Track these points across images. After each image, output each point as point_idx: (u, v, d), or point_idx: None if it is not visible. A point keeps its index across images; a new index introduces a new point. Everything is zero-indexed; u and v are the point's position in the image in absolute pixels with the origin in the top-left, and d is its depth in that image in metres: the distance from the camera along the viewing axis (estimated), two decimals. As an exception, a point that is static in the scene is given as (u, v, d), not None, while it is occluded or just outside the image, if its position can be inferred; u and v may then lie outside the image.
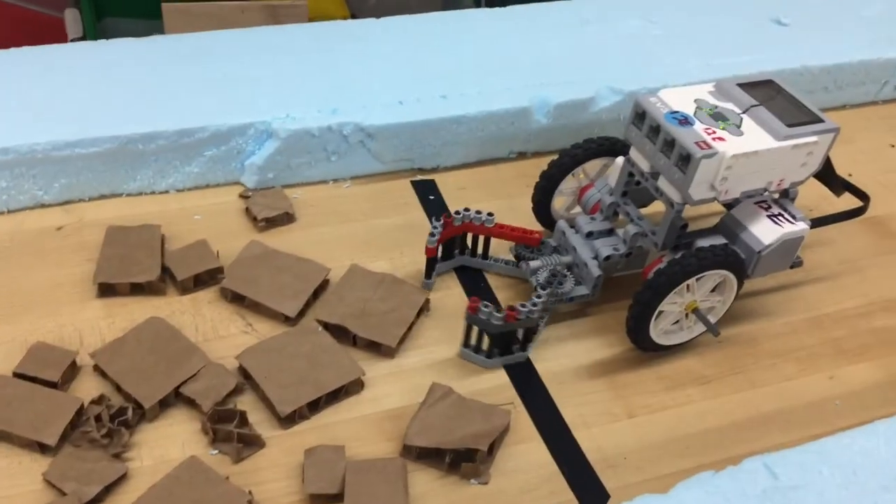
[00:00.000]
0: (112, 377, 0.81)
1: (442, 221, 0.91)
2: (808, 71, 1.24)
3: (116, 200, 1.02)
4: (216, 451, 0.77)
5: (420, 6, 2.36)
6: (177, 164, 1.02)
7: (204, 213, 1.02)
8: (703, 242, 0.86)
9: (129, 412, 0.78)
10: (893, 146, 1.25)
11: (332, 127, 1.04)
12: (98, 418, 0.77)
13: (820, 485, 0.71)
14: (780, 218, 0.86)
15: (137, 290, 0.91)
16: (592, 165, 0.97)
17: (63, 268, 0.93)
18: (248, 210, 1.02)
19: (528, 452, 0.80)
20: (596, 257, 0.90)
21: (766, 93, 0.87)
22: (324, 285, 0.92)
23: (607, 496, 0.77)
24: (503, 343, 0.86)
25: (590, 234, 0.91)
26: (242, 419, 0.78)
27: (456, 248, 0.96)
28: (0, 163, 0.95)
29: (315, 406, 0.81)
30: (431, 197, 1.08)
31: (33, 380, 0.80)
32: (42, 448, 0.75)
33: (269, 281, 0.91)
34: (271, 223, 1.01)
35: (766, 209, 0.87)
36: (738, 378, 0.89)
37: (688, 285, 0.84)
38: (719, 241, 0.87)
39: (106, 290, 0.91)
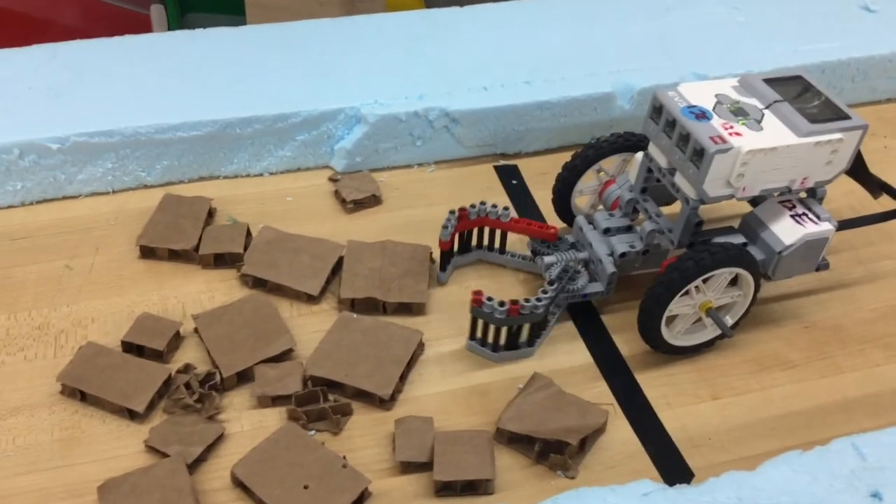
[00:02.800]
0: (205, 341, 0.85)
1: (457, 214, 0.91)
2: (899, 57, 1.22)
3: (215, 182, 1.07)
4: (314, 432, 0.79)
5: None
6: (271, 148, 1.06)
7: (295, 195, 1.06)
8: (721, 241, 0.84)
9: (217, 377, 0.82)
10: None
11: (418, 112, 1.06)
12: (188, 385, 0.81)
13: (909, 467, 0.71)
14: (804, 218, 0.84)
15: (174, 256, 0.95)
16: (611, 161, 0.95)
17: (165, 245, 0.98)
18: (336, 192, 1.06)
19: (611, 430, 0.81)
20: (611, 254, 0.89)
21: (793, 89, 0.84)
22: (340, 263, 0.94)
23: (692, 475, 0.78)
24: (509, 337, 0.86)
25: (607, 231, 0.90)
26: (324, 395, 0.81)
27: (473, 241, 0.96)
28: (106, 145, 1.00)
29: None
30: (514, 182, 1.10)
31: (140, 348, 0.84)
32: (131, 415, 0.79)
33: (287, 263, 0.93)
34: (359, 205, 1.04)
35: (791, 208, 0.85)
36: (824, 363, 0.89)
37: (699, 285, 0.81)
38: (738, 239, 0.86)
39: (147, 252, 0.95)
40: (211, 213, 1.00)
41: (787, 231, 0.84)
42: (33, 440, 0.77)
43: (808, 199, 0.86)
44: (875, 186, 0.96)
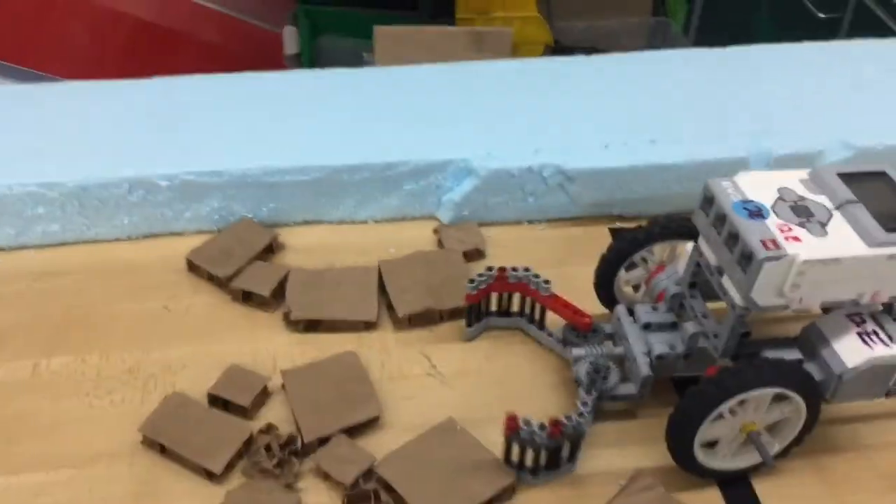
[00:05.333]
0: (290, 400, 0.82)
1: (494, 272, 0.86)
2: None
3: (319, 226, 1.05)
4: None
5: (628, 34, 2.31)
6: (377, 196, 1.03)
7: (398, 246, 1.02)
8: (773, 355, 0.74)
9: (299, 441, 0.78)
10: None
11: (532, 168, 1.01)
12: (268, 448, 0.77)
13: None
14: (874, 337, 0.72)
15: (211, 279, 0.96)
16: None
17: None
18: (440, 242, 1.01)
19: (719, 542, 0.73)
20: (648, 353, 0.80)
21: (872, 187, 0.72)
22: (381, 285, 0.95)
23: None
24: (550, 458, 0.76)
25: (647, 326, 0.81)
26: (376, 496, 0.74)
27: (514, 307, 0.90)
28: (213, 185, 0.99)
29: None
30: (630, 247, 1.03)
31: (225, 403, 0.82)
32: (209, 475, 0.77)
33: (332, 298, 0.92)
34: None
35: (859, 324, 0.73)
36: (978, 489, 0.78)
37: (741, 403, 0.71)
38: (793, 354, 0.75)
39: (192, 268, 0.97)
40: (272, 248, 0.99)
41: (851, 351, 0.72)
42: (108, 493, 0.76)
43: (882, 314, 0.75)
44: None
